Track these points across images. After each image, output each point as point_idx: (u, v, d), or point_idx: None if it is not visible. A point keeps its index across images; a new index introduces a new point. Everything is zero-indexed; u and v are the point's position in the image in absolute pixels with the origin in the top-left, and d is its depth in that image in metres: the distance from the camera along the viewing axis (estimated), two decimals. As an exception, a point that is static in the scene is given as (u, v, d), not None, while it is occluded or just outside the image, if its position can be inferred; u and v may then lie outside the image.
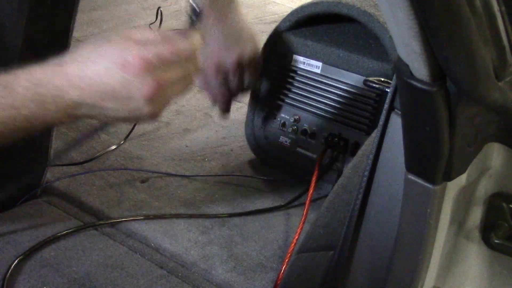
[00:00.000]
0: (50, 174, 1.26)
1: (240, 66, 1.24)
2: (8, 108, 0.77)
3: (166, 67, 0.79)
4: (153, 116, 0.81)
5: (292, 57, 1.29)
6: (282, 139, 1.32)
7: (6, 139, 0.80)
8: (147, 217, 1.17)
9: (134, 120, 0.92)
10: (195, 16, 0.98)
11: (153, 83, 0.78)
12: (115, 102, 0.79)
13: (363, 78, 1.18)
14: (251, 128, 1.36)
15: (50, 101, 0.78)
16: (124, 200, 1.21)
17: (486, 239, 0.72)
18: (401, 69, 0.61)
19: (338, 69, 1.24)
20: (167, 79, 0.80)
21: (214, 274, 1.06)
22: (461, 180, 0.67)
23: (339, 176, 1.22)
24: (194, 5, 0.98)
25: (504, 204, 0.70)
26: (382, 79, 1.14)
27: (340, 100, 1.24)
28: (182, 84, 0.83)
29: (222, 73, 1.24)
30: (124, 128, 1.48)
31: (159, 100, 0.80)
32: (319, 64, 1.26)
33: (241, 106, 1.61)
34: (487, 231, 0.71)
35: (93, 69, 0.78)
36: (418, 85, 0.59)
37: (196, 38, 0.82)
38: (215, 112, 1.58)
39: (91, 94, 0.78)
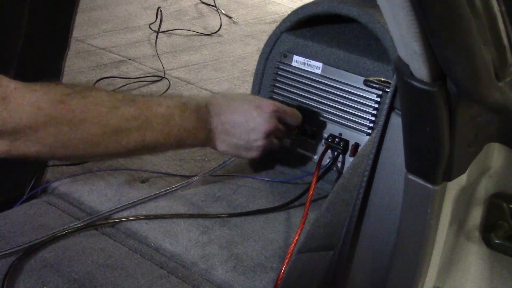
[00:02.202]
0: (50, 174, 1.26)
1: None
2: (166, 135, 1.06)
3: (283, 117, 1.18)
4: (260, 150, 1.17)
5: (292, 57, 1.29)
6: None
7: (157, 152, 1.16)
8: (147, 217, 1.17)
9: (243, 150, 1.17)
10: None
11: (274, 123, 1.16)
12: (241, 130, 1.14)
13: (363, 78, 1.19)
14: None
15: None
16: (124, 200, 1.21)
17: (486, 239, 0.72)
18: (401, 69, 0.61)
19: (339, 70, 1.24)
20: (280, 126, 1.18)
21: (214, 274, 1.05)
22: (461, 180, 0.67)
23: (339, 176, 1.23)
24: None
25: (504, 204, 0.70)
26: (382, 79, 1.14)
27: (341, 100, 1.24)
28: (283, 133, 1.21)
29: None
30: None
31: (270, 138, 1.17)
32: (320, 64, 1.26)
33: (241, 106, 1.61)
34: (487, 231, 0.71)
35: (235, 104, 1.15)
36: (418, 85, 0.59)
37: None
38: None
39: (226, 120, 1.13)
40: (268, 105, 1.17)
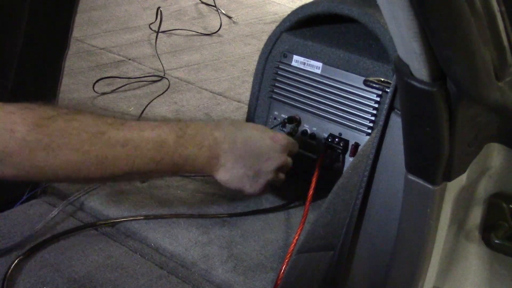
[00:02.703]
0: (50, 174, 1.26)
1: None
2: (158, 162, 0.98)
3: (292, 151, 1.13)
4: (265, 185, 1.10)
5: (292, 57, 1.29)
6: (282, 139, 1.32)
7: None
8: (147, 217, 1.17)
9: (248, 182, 1.08)
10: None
11: (285, 158, 1.11)
12: (253, 160, 1.07)
13: (363, 78, 1.18)
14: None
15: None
16: (124, 200, 1.21)
17: (486, 239, 0.72)
18: (401, 69, 0.61)
19: (339, 70, 1.24)
20: (290, 161, 1.13)
21: (214, 274, 1.05)
22: (461, 180, 0.67)
23: (339, 176, 1.23)
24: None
25: (504, 204, 0.70)
26: (382, 79, 1.14)
27: (340, 100, 1.24)
28: (288, 169, 1.14)
29: None
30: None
31: (278, 173, 1.11)
32: (319, 64, 1.26)
33: (241, 106, 1.61)
34: (487, 231, 0.71)
35: (248, 133, 1.08)
36: (418, 85, 0.59)
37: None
38: (215, 112, 1.59)
39: (238, 148, 1.06)
40: (282, 138, 1.11)
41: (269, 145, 1.09)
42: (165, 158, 0.98)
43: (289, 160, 1.12)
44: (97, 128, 0.92)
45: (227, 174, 1.06)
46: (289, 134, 1.25)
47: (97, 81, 1.70)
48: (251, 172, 1.07)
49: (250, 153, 1.07)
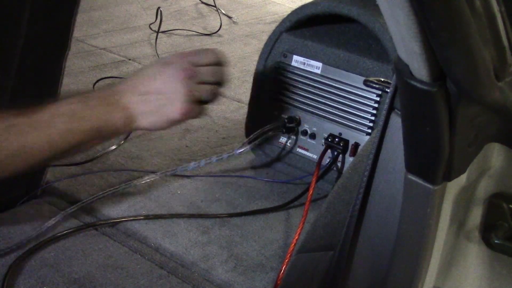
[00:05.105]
0: (50, 174, 1.26)
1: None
2: (79, 120, 0.96)
3: (199, 59, 1.04)
4: (188, 104, 1.01)
5: (292, 57, 1.30)
6: (282, 139, 1.32)
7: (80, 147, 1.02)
8: (147, 217, 1.17)
9: (165, 115, 1.02)
10: None
11: (188, 67, 1.02)
12: (156, 89, 1.01)
13: (363, 78, 1.19)
14: (251, 128, 1.36)
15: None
16: (124, 200, 1.21)
17: (486, 239, 0.72)
18: (401, 69, 0.61)
19: (338, 70, 1.24)
20: (199, 71, 1.03)
21: (214, 274, 1.06)
22: (461, 180, 0.66)
23: (339, 176, 1.23)
24: None
25: (504, 204, 0.70)
26: (382, 79, 1.14)
27: (340, 100, 1.24)
28: (209, 88, 1.05)
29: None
30: (124, 128, 1.48)
31: (192, 85, 1.02)
32: (319, 64, 1.26)
33: (241, 106, 1.61)
34: (487, 231, 0.71)
35: (143, 71, 1.04)
36: (418, 85, 0.59)
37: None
38: (215, 112, 1.59)
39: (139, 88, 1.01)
40: (177, 58, 1.05)
41: (162, 67, 1.04)
42: (82, 125, 0.97)
43: (200, 69, 1.04)
44: (8, 121, 0.92)
45: (144, 117, 1.02)
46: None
47: (97, 81, 1.70)
48: (162, 101, 1.02)
49: (150, 86, 1.02)
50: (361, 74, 1.21)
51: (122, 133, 1.29)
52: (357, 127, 1.22)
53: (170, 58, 1.06)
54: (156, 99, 1.01)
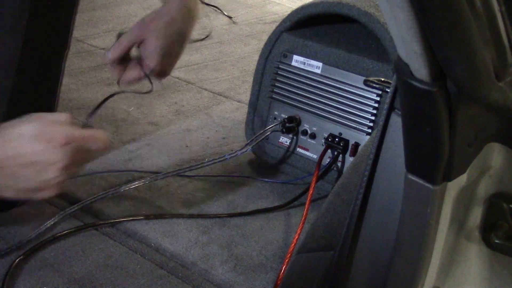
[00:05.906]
0: (50, 174, 1.26)
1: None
2: None
3: (82, 145, 0.91)
4: (58, 187, 0.90)
5: (292, 57, 1.29)
6: (282, 139, 1.32)
7: None
8: (147, 217, 1.17)
9: (34, 193, 0.92)
10: None
11: (70, 156, 0.89)
12: (28, 171, 0.88)
13: (363, 78, 1.19)
14: (251, 128, 1.36)
15: None
16: (124, 200, 1.21)
17: (486, 239, 0.72)
18: (401, 69, 0.61)
19: (338, 70, 1.24)
20: (80, 155, 0.91)
21: (214, 274, 1.06)
22: (461, 180, 0.66)
23: (339, 176, 1.23)
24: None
25: (504, 204, 0.70)
26: (382, 79, 1.14)
27: (340, 100, 1.24)
28: (85, 160, 0.94)
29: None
30: (124, 128, 1.48)
31: (69, 171, 0.90)
32: (319, 64, 1.26)
33: (241, 106, 1.61)
34: (487, 231, 0.71)
35: (15, 142, 0.88)
36: (418, 85, 0.59)
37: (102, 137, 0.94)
38: (215, 112, 1.59)
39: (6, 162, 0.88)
40: (59, 137, 0.89)
41: (44, 149, 0.88)
42: None
43: (78, 155, 0.91)
44: None
45: (5, 191, 0.91)
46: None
47: (97, 81, 1.69)
48: (33, 184, 0.90)
49: (23, 165, 0.88)
50: (361, 74, 1.21)
51: None
52: (357, 127, 1.22)
53: (55, 136, 0.89)
54: (25, 182, 0.89)
